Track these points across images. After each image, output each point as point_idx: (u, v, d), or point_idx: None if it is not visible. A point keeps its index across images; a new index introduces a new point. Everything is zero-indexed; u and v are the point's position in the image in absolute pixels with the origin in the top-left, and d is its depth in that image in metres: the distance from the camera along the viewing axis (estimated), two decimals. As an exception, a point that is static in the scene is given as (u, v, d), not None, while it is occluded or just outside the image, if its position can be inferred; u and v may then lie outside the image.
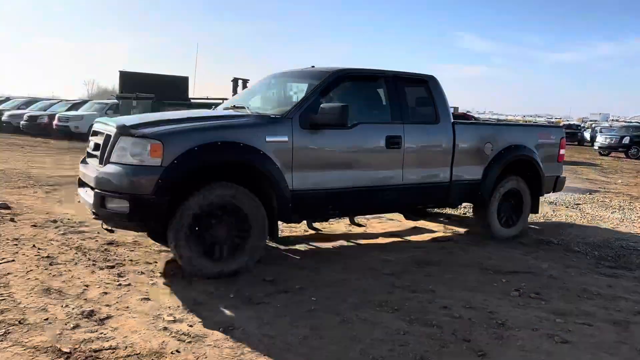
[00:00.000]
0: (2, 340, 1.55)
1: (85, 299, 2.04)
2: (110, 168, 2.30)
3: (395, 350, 1.69)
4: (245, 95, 4.54)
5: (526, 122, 15.30)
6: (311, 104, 2.75)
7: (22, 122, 14.07)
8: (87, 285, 2.22)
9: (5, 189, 4.90)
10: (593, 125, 24.97)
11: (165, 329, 1.76)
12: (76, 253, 2.77)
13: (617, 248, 3.68)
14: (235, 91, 19.35)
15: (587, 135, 21.85)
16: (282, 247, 3.22)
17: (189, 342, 1.65)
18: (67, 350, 1.50)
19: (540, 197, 4.12)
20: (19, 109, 16.00)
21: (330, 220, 3.72)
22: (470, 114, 17.09)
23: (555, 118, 39.96)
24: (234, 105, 3.36)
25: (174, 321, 1.83)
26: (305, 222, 3.46)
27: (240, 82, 20.22)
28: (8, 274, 2.30)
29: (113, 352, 1.52)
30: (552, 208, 5.40)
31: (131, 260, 2.72)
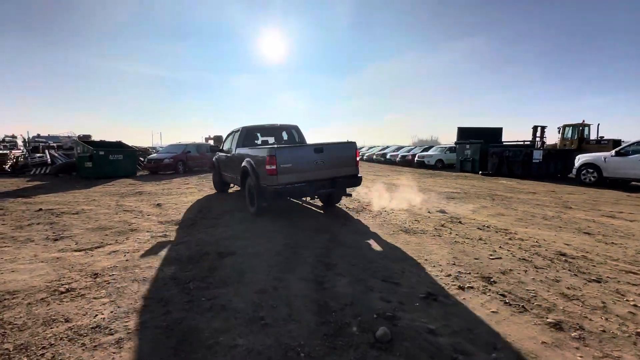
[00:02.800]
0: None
1: None
2: None
3: None
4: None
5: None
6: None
7: (397, 159, 22.92)
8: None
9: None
10: None
11: None
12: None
13: None
14: (534, 136, 19.31)
15: None
16: None
17: None
18: None
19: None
20: (395, 151, 25.57)
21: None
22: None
23: None
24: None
25: None
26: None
27: (539, 128, 19.61)
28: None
29: None
30: None
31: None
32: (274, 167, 5.02)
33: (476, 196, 8.15)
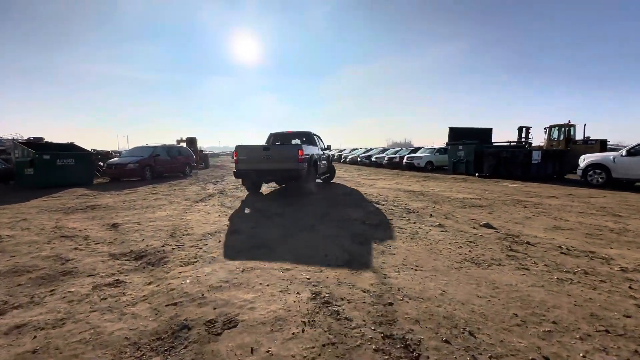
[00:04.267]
0: None
1: None
2: None
3: None
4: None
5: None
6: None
7: (384, 161, 22.37)
8: None
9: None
10: None
11: None
12: None
13: None
14: (519, 135, 18.87)
15: None
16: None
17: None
18: None
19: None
20: (380, 153, 25.47)
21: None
22: None
23: None
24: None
25: None
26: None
27: (524, 129, 19.17)
28: None
29: None
30: None
31: None
32: (235, 158, 7.56)
33: (502, 203, 7.01)
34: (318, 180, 10.61)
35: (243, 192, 8.94)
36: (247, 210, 6.32)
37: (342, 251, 3.74)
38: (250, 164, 7.46)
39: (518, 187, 10.22)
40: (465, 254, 3.60)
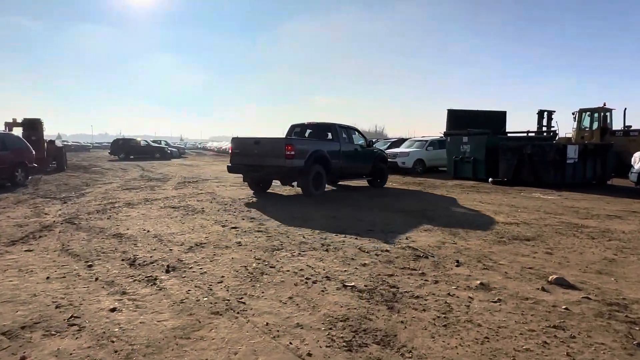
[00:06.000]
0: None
1: None
2: None
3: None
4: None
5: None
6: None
7: None
8: None
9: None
10: None
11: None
12: None
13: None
14: (540, 122, 19.57)
15: None
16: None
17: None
18: None
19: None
20: None
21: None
22: None
23: None
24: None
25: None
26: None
27: (545, 113, 19.96)
28: None
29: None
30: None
31: None
32: (230, 151, 10.47)
33: (554, 231, 6.37)
34: (362, 182, 12.74)
35: (111, 221, 7.19)
36: (109, 265, 4.69)
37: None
38: (242, 159, 9.55)
39: (555, 199, 9.95)
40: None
